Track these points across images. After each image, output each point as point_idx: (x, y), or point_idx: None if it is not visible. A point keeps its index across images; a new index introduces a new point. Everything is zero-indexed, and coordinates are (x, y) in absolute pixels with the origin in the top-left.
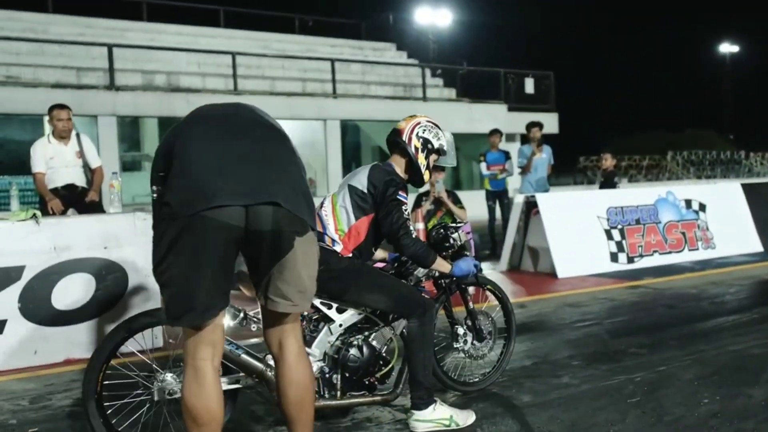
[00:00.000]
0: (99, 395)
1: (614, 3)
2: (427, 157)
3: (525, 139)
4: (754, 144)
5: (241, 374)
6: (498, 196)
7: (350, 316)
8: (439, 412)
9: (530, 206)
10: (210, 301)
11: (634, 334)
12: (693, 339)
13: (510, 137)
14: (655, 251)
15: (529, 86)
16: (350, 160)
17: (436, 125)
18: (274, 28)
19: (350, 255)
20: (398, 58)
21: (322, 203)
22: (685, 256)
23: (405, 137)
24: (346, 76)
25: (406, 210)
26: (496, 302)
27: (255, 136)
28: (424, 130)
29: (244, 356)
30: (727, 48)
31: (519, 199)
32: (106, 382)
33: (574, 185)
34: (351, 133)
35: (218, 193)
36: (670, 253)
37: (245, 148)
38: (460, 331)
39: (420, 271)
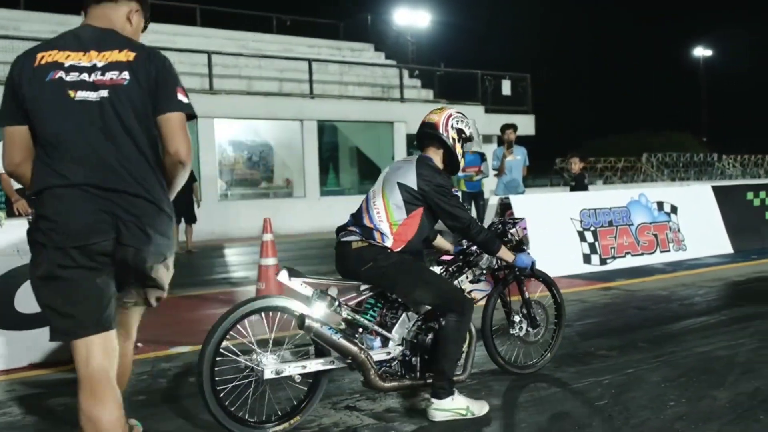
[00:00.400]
0: (212, 376)
1: (592, 7)
2: (462, 146)
3: (502, 141)
4: (727, 146)
5: (336, 355)
6: (473, 197)
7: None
8: (457, 402)
9: (505, 208)
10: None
11: (605, 336)
12: (662, 341)
13: (487, 139)
14: (627, 253)
15: (506, 88)
16: (327, 161)
17: (464, 114)
18: (252, 28)
19: (399, 250)
20: (376, 59)
21: (367, 200)
22: (657, 258)
23: (441, 129)
24: (323, 76)
25: (459, 199)
26: (548, 293)
27: None
28: (458, 120)
29: (342, 340)
30: (701, 52)
31: (494, 201)
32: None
33: (550, 186)
34: (328, 134)
35: None
36: (642, 254)
37: None
38: (516, 318)
39: (484, 262)
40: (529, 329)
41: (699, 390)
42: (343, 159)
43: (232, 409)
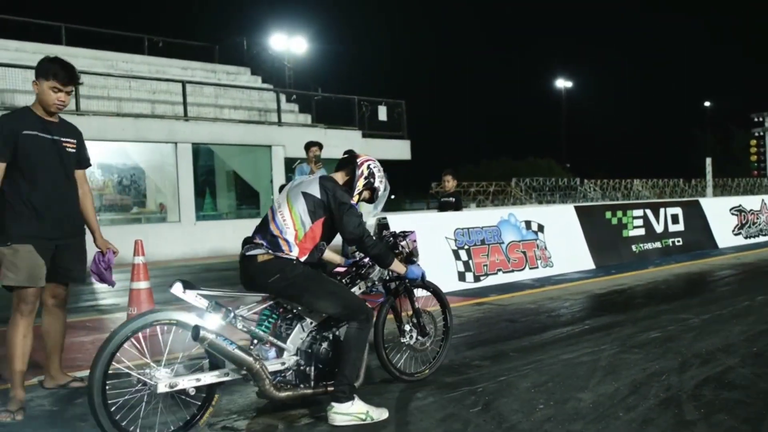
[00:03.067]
0: (104, 391)
1: (462, 40)
2: (363, 187)
3: (307, 159)
4: (589, 171)
5: (231, 367)
6: None
7: (318, 315)
8: (356, 406)
9: (382, 228)
10: None
11: (478, 347)
12: (531, 350)
13: None
14: (499, 270)
15: (382, 114)
16: (204, 185)
17: (385, 174)
18: (122, 48)
19: (305, 259)
20: (253, 83)
21: (272, 210)
22: (526, 274)
23: (359, 161)
24: (198, 99)
25: (360, 214)
26: (437, 305)
27: None
28: (376, 167)
29: (237, 351)
30: (562, 83)
31: (371, 221)
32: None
33: (427, 209)
34: (204, 157)
35: None
36: (512, 271)
37: None
38: (407, 327)
39: (376, 274)
40: (419, 338)
41: (565, 393)
42: (220, 183)
43: (124, 424)
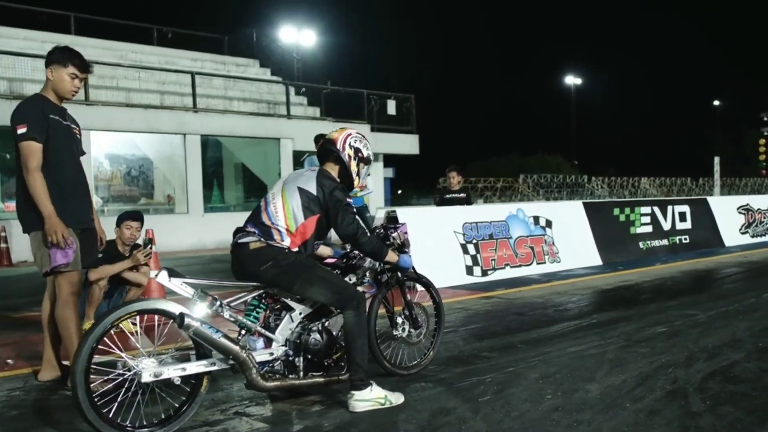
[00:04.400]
0: (87, 383)
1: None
2: (358, 165)
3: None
4: (596, 169)
5: (218, 356)
6: (358, 211)
7: (308, 305)
8: (375, 392)
9: (391, 221)
10: None
11: (487, 339)
12: (539, 342)
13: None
14: (506, 264)
15: (391, 108)
16: (211, 177)
17: (364, 137)
18: (131, 39)
19: (296, 249)
20: (262, 75)
21: (266, 200)
22: (534, 269)
23: (339, 146)
24: (207, 90)
25: (354, 211)
26: (429, 299)
27: None
28: (356, 140)
29: (222, 339)
30: (572, 80)
31: (380, 214)
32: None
33: (435, 205)
34: (212, 149)
35: None
36: (520, 266)
37: None
38: (399, 320)
39: (367, 265)
40: (412, 330)
41: (573, 384)
42: (228, 175)
43: (110, 416)
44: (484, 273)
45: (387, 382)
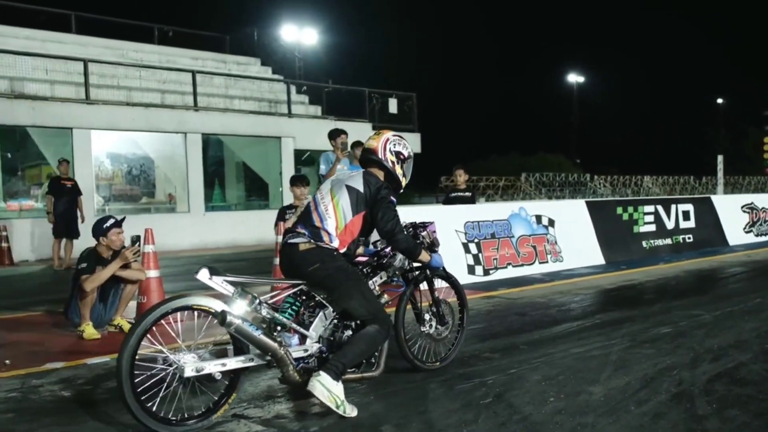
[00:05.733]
0: (132, 376)
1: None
2: (402, 167)
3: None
4: (598, 167)
5: (255, 353)
6: None
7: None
8: (339, 389)
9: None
10: None
11: (488, 340)
12: (541, 343)
13: None
14: (508, 264)
15: (393, 106)
16: (213, 176)
17: (401, 136)
18: (131, 37)
19: (344, 251)
20: (263, 74)
21: (315, 201)
22: (536, 269)
23: (380, 155)
24: (208, 89)
25: (396, 210)
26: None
27: None
28: (395, 144)
29: (262, 336)
30: (574, 78)
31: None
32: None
33: (437, 203)
34: (214, 148)
35: None
36: (522, 265)
37: None
38: (426, 316)
39: (397, 263)
40: (438, 326)
41: (576, 386)
42: (230, 174)
43: (153, 409)
44: (486, 272)
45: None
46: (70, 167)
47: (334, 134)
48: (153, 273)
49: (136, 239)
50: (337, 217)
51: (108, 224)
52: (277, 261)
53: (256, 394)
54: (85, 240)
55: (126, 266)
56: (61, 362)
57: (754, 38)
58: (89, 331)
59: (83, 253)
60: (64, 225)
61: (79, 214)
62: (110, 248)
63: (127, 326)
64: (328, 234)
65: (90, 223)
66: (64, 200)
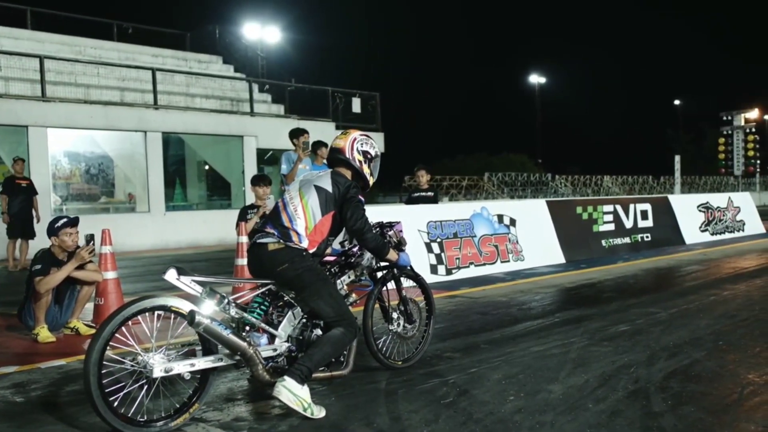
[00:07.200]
0: (100, 377)
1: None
2: (369, 166)
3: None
4: (560, 167)
5: (224, 352)
6: None
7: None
8: (304, 392)
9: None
10: None
11: (450, 339)
12: (502, 342)
13: None
14: (471, 263)
15: (356, 106)
16: (174, 175)
17: (368, 135)
18: (90, 34)
19: (313, 251)
20: (225, 72)
21: (284, 201)
22: (498, 268)
23: (348, 154)
24: (169, 87)
25: (364, 209)
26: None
27: None
28: (362, 143)
29: (231, 336)
30: (536, 79)
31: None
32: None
33: (400, 203)
34: (174, 147)
35: None
36: (484, 264)
37: None
38: (394, 315)
39: (365, 262)
40: (406, 325)
41: (535, 385)
42: (191, 173)
43: (121, 410)
44: (449, 272)
45: (317, 392)
46: (25, 166)
47: (295, 133)
48: (111, 274)
49: (90, 238)
50: (306, 218)
51: (59, 224)
52: (239, 261)
53: (216, 396)
54: (40, 240)
55: (82, 267)
56: (14, 366)
57: (719, 39)
58: (44, 334)
59: (38, 254)
60: (20, 225)
61: (34, 213)
62: (64, 250)
63: (83, 329)
64: (298, 234)
65: (46, 223)
66: (19, 200)
